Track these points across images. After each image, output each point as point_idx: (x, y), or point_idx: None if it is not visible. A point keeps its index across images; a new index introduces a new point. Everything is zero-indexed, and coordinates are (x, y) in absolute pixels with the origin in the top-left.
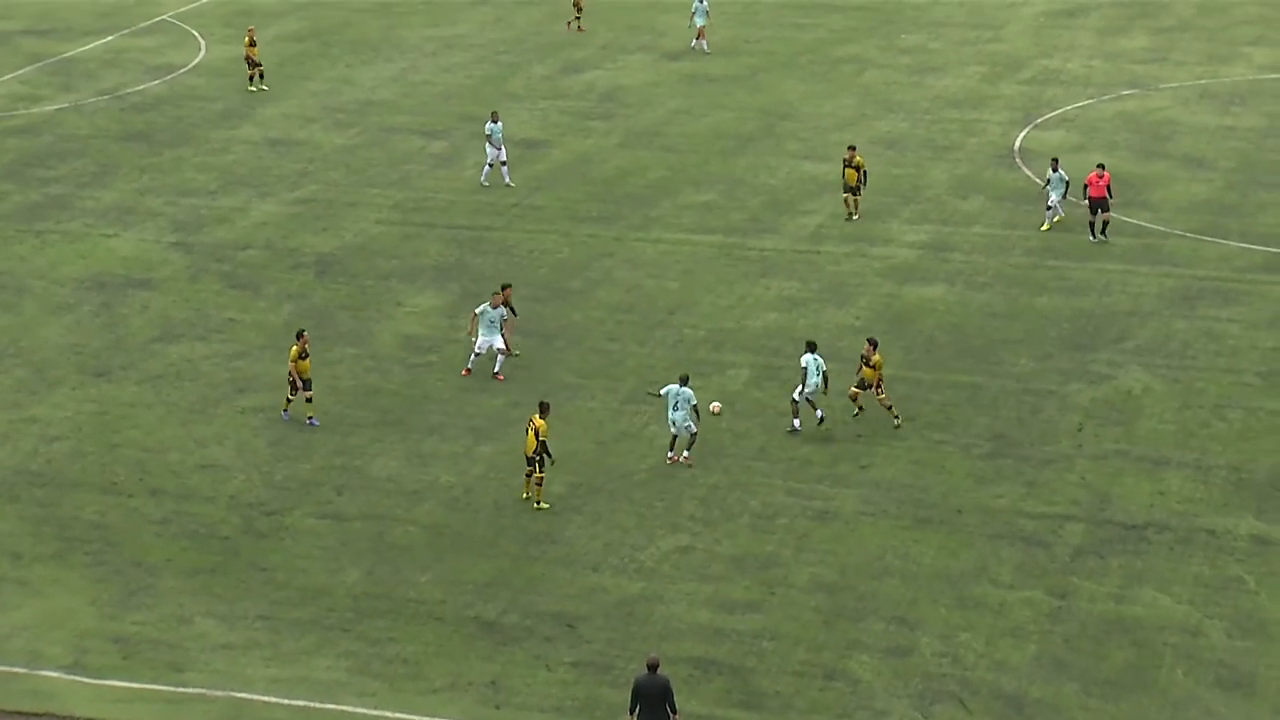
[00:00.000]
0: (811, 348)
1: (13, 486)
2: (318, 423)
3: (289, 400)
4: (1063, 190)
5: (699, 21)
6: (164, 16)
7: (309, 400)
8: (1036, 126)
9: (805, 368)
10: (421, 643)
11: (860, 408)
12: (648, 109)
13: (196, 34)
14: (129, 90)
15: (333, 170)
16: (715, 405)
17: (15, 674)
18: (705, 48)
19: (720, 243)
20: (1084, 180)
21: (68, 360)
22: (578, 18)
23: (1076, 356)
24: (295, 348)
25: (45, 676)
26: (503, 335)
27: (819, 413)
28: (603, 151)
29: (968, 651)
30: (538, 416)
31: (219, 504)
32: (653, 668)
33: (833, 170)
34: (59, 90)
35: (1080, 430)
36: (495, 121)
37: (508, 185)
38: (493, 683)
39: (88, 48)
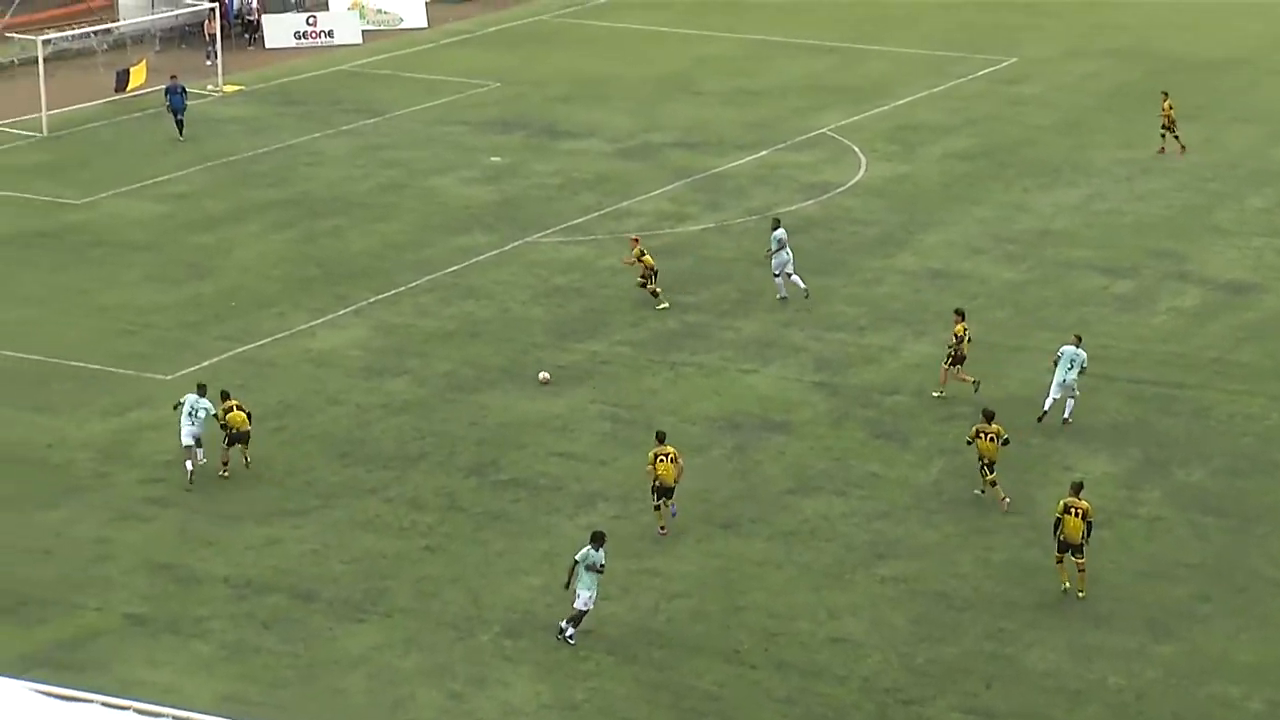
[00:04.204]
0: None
1: (630, 646)
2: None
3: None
4: None
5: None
6: (824, 129)
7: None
8: None
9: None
10: None
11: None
12: None
13: (857, 150)
14: (779, 210)
15: (998, 308)
16: (544, 375)
17: None
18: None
19: None
20: None
21: (695, 508)
22: (1172, 136)
23: None
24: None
25: None
26: None
27: None
28: None
29: None
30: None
31: (851, 685)
32: None
33: None
34: (705, 209)
35: None
36: (776, 228)
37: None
38: None
39: (738, 163)
